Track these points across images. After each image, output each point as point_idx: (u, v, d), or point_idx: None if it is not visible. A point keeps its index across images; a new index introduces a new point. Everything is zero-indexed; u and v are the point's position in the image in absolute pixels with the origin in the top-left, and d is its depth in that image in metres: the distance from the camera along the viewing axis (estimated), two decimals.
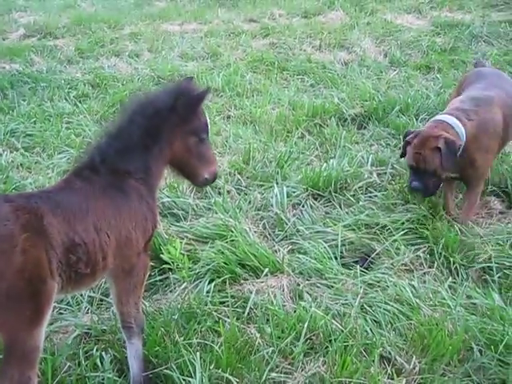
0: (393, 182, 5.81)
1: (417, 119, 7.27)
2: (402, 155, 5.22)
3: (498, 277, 4.49)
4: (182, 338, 3.81)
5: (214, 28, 12.38)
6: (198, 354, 3.61)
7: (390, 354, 3.79)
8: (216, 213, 5.21)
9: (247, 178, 6.06)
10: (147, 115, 3.41)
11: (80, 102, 8.30)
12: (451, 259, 4.68)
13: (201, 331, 3.93)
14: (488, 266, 4.61)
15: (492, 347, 3.73)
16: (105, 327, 4.01)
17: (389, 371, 3.68)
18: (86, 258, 3.08)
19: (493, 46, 10.52)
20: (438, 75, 9.15)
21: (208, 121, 3.65)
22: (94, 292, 4.36)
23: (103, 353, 3.75)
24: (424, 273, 4.61)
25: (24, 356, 2.88)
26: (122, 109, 3.89)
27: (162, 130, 3.44)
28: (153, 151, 3.44)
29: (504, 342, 3.70)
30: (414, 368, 3.68)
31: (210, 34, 11.91)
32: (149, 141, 3.42)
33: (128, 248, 3.32)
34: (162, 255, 4.34)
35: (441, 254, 4.74)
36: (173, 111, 3.44)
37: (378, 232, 5.01)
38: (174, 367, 3.58)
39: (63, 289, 3.09)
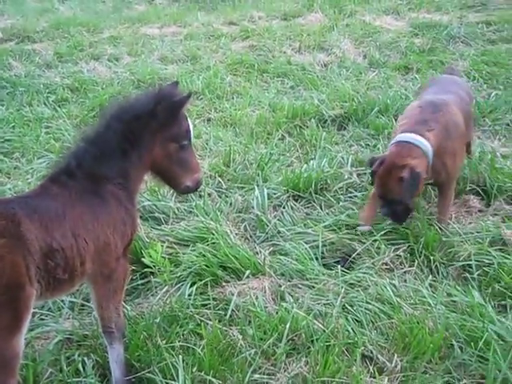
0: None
1: (396, 120, 7.28)
2: (371, 183, 5.10)
3: (478, 274, 4.52)
4: (165, 342, 3.80)
5: (193, 31, 12.38)
6: (180, 357, 3.61)
7: (371, 352, 3.81)
8: (197, 216, 5.21)
9: (228, 180, 6.06)
10: (125, 120, 3.38)
11: (59, 106, 8.26)
12: (431, 258, 4.71)
13: (183, 334, 3.93)
14: (468, 264, 4.64)
15: (472, 344, 3.76)
16: (86, 332, 3.98)
17: (371, 370, 3.70)
18: (64, 264, 3.05)
19: (470, 46, 10.63)
20: (416, 76, 9.22)
21: (190, 127, 3.59)
22: (75, 297, 4.34)
23: (85, 358, 3.73)
24: (404, 272, 4.63)
25: (4, 364, 2.86)
26: (101, 113, 3.86)
27: (141, 136, 3.40)
28: (131, 157, 3.41)
29: (484, 339, 3.72)
30: (396, 366, 3.70)
31: (189, 37, 11.91)
32: (127, 146, 3.38)
33: (106, 253, 3.30)
34: (143, 259, 4.33)
35: (421, 252, 4.76)
36: (152, 116, 3.39)
37: (358, 232, 5.04)
38: (157, 371, 3.57)
39: (42, 295, 3.06)
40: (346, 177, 5.94)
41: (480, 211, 5.46)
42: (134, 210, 3.54)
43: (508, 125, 7.29)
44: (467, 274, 4.58)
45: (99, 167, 3.33)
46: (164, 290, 4.35)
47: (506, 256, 4.66)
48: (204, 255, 4.58)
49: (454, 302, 4.24)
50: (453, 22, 11.72)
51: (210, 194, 5.72)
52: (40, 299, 3.11)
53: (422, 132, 4.85)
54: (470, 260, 4.64)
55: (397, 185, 4.70)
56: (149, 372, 3.58)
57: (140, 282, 4.49)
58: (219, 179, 6.02)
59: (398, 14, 12.87)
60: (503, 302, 4.27)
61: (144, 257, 4.37)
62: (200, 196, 5.66)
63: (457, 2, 13.28)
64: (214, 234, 4.83)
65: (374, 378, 3.63)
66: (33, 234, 2.91)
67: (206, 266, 4.48)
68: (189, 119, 3.62)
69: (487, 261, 4.64)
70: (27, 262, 2.86)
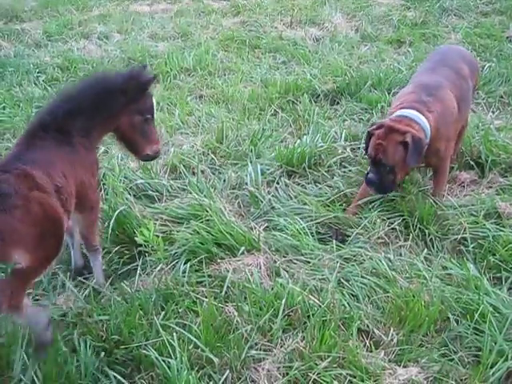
0: (366, 157, 5.81)
1: (389, 93, 7.28)
2: (366, 149, 4.95)
3: (473, 247, 4.53)
4: (160, 319, 3.79)
5: (183, 7, 12.24)
6: (176, 334, 3.61)
7: (367, 327, 3.81)
8: (190, 193, 5.18)
9: (221, 157, 6.03)
10: (98, 89, 4.02)
11: (50, 86, 8.16)
12: (426, 231, 4.71)
13: (179, 312, 3.92)
14: (463, 237, 4.65)
15: (468, 316, 3.78)
16: (81, 311, 3.98)
17: (367, 344, 3.71)
18: (68, 198, 3.70)
19: (463, 19, 10.55)
20: (409, 49, 9.16)
21: (154, 104, 4.26)
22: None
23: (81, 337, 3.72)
24: (400, 246, 4.63)
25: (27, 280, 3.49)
26: (80, 80, 4.57)
27: (108, 105, 4.03)
28: (95, 120, 4.01)
29: (479, 311, 3.74)
30: (392, 340, 3.71)
31: (180, 14, 11.77)
32: (94, 111, 3.98)
33: (85, 188, 3.97)
34: (136, 238, 4.30)
35: (416, 226, 4.76)
36: (122, 92, 4.03)
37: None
38: (153, 349, 3.57)
39: None
40: (340, 151, 5.90)
41: (474, 184, 5.45)
42: (95, 155, 4.22)
43: (501, 97, 7.26)
44: (462, 247, 4.59)
45: (68, 122, 3.89)
46: (158, 268, 4.33)
47: (501, 228, 4.67)
48: (198, 232, 4.55)
49: (450, 274, 4.25)
50: None
51: (203, 171, 5.69)
52: None
53: (422, 110, 4.77)
54: (465, 233, 4.64)
55: (394, 148, 4.64)
56: (145, 350, 3.58)
57: (134, 260, 4.48)
58: (212, 156, 5.99)
59: None
60: (498, 275, 4.28)
61: (137, 236, 4.33)
62: (193, 173, 5.65)
63: None
64: (207, 211, 4.81)
65: (371, 351, 3.64)
66: (44, 180, 3.52)
67: (201, 243, 4.46)
68: (153, 97, 4.28)
69: (482, 233, 4.64)
70: (56, 200, 3.53)
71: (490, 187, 5.36)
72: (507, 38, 9.38)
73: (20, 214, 3.30)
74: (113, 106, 4.05)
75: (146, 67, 4.36)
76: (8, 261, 3.23)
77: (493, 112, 6.90)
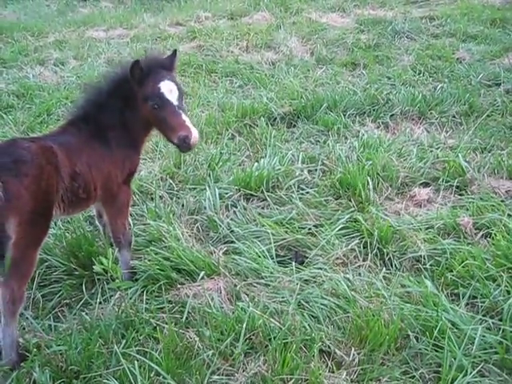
0: (324, 178, 5.87)
1: (344, 115, 7.39)
2: None
3: (430, 264, 4.60)
4: (121, 347, 3.75)
5: (140, 33, 12.28)
6: (137, 362, 3.56)
7: (329, 347, 3.82)
8: (149, 219, 5.15)
9: (179, 181, 6.03)
10: (115, 82, 4.23)
11: (5, 113, 8.08)
12: (385, 250, 4.77)
13: (139, 339, 3.88)
14: (420, 255, 4.71)
15: (427, 333, 3.82)
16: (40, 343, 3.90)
17: (329, 365, 3.72)
18: (84, 185, 4.00)
19: (415, 41, 10.80)
20: (363, 71, 9.33)
21: (163, 89, 4.03)
22: (24, 309, 4.25)
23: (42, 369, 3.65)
24: (359, 265, 4.67)
25: (26, 271, 3.72)
26: (103, 76, 4.56)
27: (128, 95, 4.17)
28: (125, 112, 4.22)
29: (438, 328, 3.79)
30: (354, 360, 3.72)
31: (136, 39, 11.81)
32: (119, 103, 4.21)
33: (110, 182, 4.21)
34: (94, 267, 4.25)
35: (374, 246, 4.81)
36: (130, 80, 4.11)
37: (312, 228, 5.06)
38: (114, 378, 3.52)
39: (65, 211, 3.98)
40: (297, 174, 5.96)
41: (429, 202, 5.53)
42: (134, 153, 4.38)
43: (454, 117, 7.42)
44: (420, 265, 4.64)
45: (102, 118, 4.18)
46: (117, 295, 4.28)
47: (457, 245, 4.74)
48: (157, 258, 4.53)
49: (408, 292, 4.30)
50: (397, 18, 11.90)
51: (161, 197, 5.67)
52: (64, 214, 4.04)
53: None
54: (422, 251, 4.70)
55: None
56: (106, 379, 3.52)
57: (92, 288, 4.43)
58: (170, 181, 5.98)
59: (344, 10, 12.99)
60: (456, 291, 4.34)
61: (95, 263, 4.28)
62: (151, 199, 5.62)
63: None
64: (166, 237, 4.79)
65: (333, 372, 3.65)
66: (63, 162, 3.84)
67: (160, 269, 4.44)
68: (165, 82, 4.07)
69: (439, 251, 4.71)
70: (58, 187, 3.80)
71: (445, 205, 5.45)
72: (457, 59, 9.62)
73: (28, 183, 3.57)
74: (130, 95, 4.16)
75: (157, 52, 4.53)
76: (3, 226, 3.52)
77: (446, 131, 7.04)
